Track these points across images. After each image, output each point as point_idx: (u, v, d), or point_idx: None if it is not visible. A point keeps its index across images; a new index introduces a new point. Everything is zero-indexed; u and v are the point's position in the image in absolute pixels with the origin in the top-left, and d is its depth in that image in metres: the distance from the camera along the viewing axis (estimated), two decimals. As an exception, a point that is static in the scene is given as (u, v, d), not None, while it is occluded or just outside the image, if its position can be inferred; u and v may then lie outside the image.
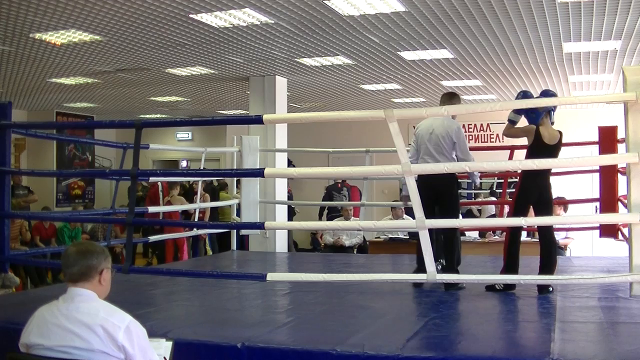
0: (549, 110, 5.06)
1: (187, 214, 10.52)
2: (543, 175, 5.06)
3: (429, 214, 5.16)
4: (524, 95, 5.13)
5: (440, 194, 5.36)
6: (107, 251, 2.67)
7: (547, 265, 5.04)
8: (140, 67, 9.30)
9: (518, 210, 5.06)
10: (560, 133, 5.10)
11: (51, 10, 6.31)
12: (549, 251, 5.10)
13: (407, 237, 9.24)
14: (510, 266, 5.05)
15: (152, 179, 8.69)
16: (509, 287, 5.07)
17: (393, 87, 11.29)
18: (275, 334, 3.86)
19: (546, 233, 5.15)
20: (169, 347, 2.82)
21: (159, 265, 9.45)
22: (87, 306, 2.50)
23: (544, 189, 5.07)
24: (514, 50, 8.36)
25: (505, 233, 5.77)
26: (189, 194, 12.15)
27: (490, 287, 5.11)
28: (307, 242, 14.83)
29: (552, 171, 8.49)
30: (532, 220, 5.04)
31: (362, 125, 14.00)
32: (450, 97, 5.64)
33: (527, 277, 4.53)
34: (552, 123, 5.12)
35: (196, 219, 8.67)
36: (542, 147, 4.96)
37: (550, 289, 5.01)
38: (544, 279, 4.71)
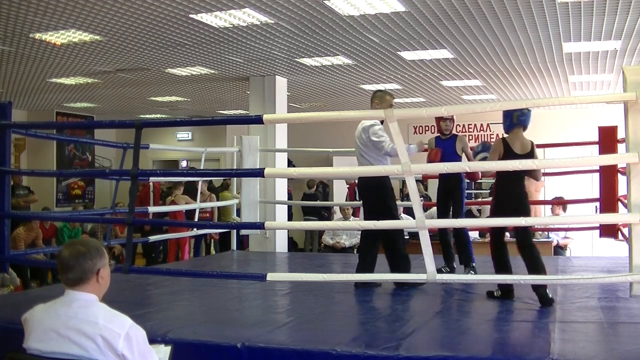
0: (525, 125, 4.92)
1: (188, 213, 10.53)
2: (517, 184, 4.84)
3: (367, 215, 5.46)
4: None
5: (365, 196, 5.48)
6: (101, 248, 2.57)
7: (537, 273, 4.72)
8: (140, 67, 9.30)
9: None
10: (532, 143, 4.92)
11: (51, 10, 6.31)
12: (533, 259, 4.79)
13: (407, 237, 9.24)
14: (502, 271, 4.90)
15: (151, 179, 8.70)
16: (507, 295, 4.92)
17: (393, 87, 11.28)
18: (275, 334, 3.86)
19: (524, 240, 4.84)
20: (167, 352, 2.81)
21: (156, 265, 9.44)
22: (85, 312, 2.45)
23: (519, 197, 4.86)
24: (514, 50, 8.36)
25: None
26: (190, 191, 12.12)
27: (490, 294, 5.04)
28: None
29: (551, 172, 8.58)
30: (531, 220, 5.00)
31: (362, 125, 13.98)
32: (371, 98, 5.54)
33: (527, 277, 4.54)
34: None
35: (196, 219, 8.67)
36: (513, 157, 4.73)
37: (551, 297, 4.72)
38: (544, 278, 4.70)
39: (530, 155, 4.84)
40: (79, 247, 2.53)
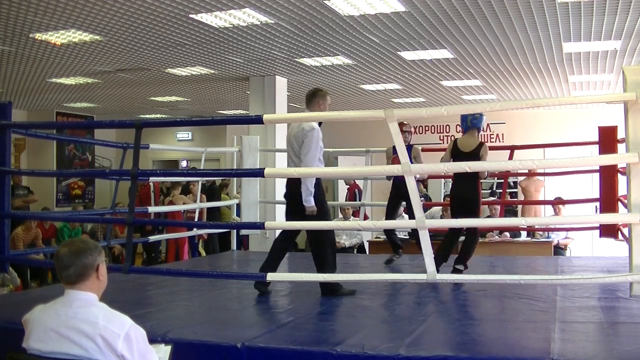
0: (478, 127, 5.61)
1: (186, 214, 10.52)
2: (473, 181, 5.59)
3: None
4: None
5: (295, 202, 5.12)
6: (99, 245, 2.60)
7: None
8: (140, 67, 9.31)
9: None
10: (482, 143, 5.58)
11: (51, 10, 6.31)
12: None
13: (407, 237, 9.24)
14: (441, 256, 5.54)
15: (151, 179, 8.70)
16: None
17: (393, 87, 11.29)
18: (275, 334, 3.86)
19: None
20: (167, 351, 2.81)
21: (156, 265, 9.43)
22: (85, 312, 2.45)
23: (475, 192, 5.61)
24: (514, 50, 8.36)
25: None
26: (186, 192, 12.11)
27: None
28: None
29: (551, 172, 8.65)
30: (531, 220, 5.04)
31: (362, 125, 14.00)
32: (310, 96, 5.10)
33: (527, 277, 4.52)
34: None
35: (196, 219, 8.65)
36: (457, 155, 5.41)
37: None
38: (545, 278, 4.70)
39: (476, 153, 5.50)
40: (78, 244, 2.56)
